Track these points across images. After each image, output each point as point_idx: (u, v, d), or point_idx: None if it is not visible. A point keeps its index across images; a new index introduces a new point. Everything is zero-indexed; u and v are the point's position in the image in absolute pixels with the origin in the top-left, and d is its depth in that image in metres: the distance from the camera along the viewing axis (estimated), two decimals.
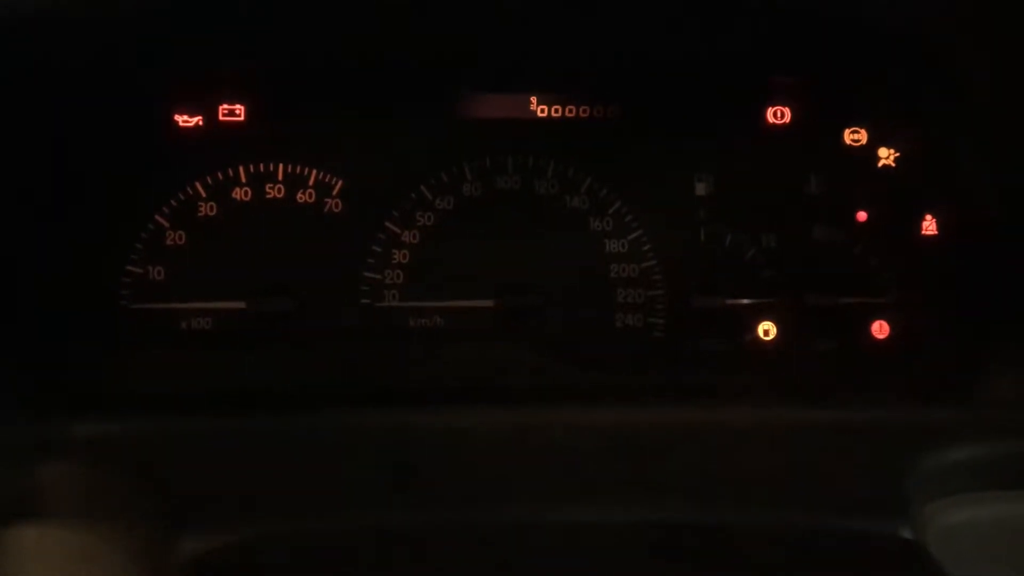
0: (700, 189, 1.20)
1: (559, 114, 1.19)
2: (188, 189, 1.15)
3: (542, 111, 1.19)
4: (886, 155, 1.20)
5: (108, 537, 0.91)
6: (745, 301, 1.18)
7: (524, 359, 1.16)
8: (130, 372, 1.12)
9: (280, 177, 1.16)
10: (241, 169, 1.15)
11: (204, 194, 1.15)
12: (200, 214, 1.15)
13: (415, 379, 1.15)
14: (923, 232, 1.19)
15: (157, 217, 1.14)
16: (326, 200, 1.16)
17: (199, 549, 0.91)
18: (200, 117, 1.16)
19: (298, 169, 1.16)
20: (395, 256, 1.17)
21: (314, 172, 1.16)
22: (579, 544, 0.98)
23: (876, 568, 0.90)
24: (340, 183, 1.17)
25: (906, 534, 0.92)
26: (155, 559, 0.90)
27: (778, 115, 1.20)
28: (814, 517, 0.96)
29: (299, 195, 1.16)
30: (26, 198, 1.09)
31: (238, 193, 1.15)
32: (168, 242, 1.14)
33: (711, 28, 1.10)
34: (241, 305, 1.13)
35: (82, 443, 0.96)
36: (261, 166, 1.16)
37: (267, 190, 1.16)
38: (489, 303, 1.16)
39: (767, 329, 1.19)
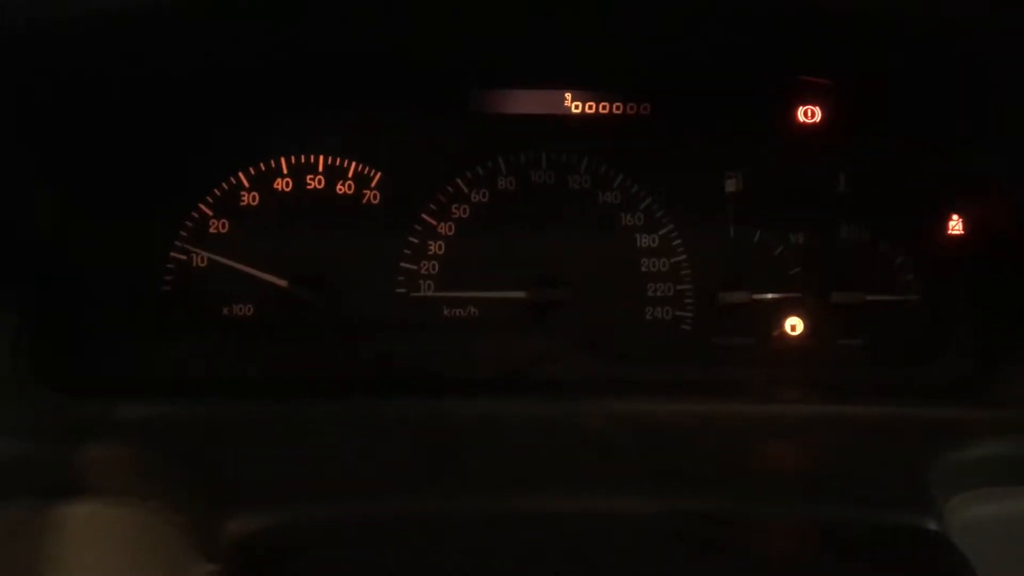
0: (730, 186, 1.22)
1: (593, 110, 1.22)
2: (231, 179, 1.18)
3: (576, 107, 1.22)
4: (914, 155, 1.21)
5: (155, 515, 0.94)
6: (772, 296, 1.21)
7: (555, 350, 1.19)
8: (172, 356, 1.15)
9: (320, 168, 1.19)
10: (283, 160, 1.18)
11: (247, 184, 1.18)
12: (243, 203, 1.18)
13: (449, 368, 1.17)
14: (949, 232, 1.21)
15: (201, 206, 1.17)
16: (365, 191, 1.19)
17: (242, 530, 0.93)
18: (246, 109, 1.18)
19: (338, 161, 1.19)
20: (431, 247, 1.19)
21: (353, 164, 1.19)
22: (607, 533, 1.00)
23: (900, 559, 0.91)
24: (378, 175, 1.19)
25: (931, 526, 0.94)
26: (201, 538, 0.93)
27: (808, 114, 1.22)
28: (839, 509, 0.98)
29: (339, 186, 1.19)
30: (73, 186, 1.12)
31: (279, 183, 1.18)
32: (211, 230, 1.17)
33: (743, 28, 1.11)
34: (281, 293, 1.16)
35: (126, 425, 0.99)
36: (302, 157, 1.18)
37: (308, 181, 1.18)
38: (522, 295, 1.18)
39: (794, 324, 1.21)
